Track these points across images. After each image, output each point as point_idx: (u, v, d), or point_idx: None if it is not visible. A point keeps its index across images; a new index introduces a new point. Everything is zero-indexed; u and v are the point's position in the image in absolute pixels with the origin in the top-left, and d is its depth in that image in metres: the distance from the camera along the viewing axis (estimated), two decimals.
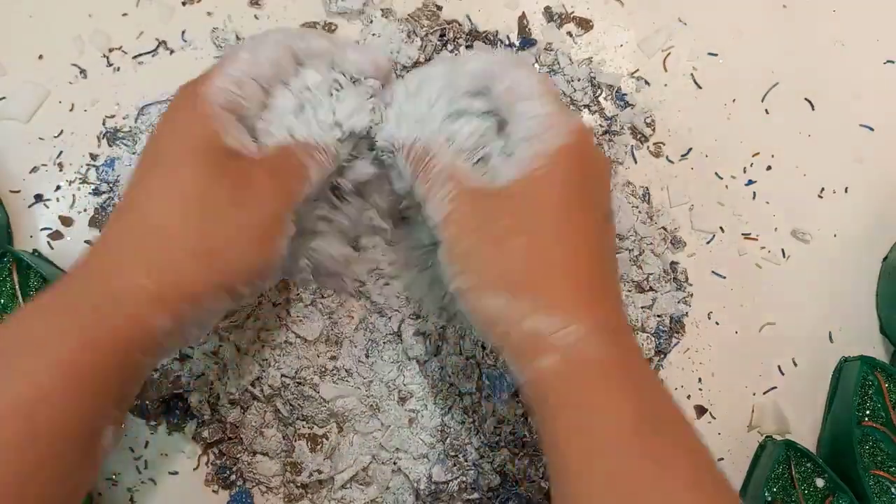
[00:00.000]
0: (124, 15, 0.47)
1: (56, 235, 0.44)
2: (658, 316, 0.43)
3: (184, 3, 0.47)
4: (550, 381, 0.28)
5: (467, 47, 0.45)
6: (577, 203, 0.31)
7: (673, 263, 0.45)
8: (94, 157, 0.45)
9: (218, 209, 0.30)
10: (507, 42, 0.46)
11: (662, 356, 0.44)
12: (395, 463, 0.41)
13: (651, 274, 0.43)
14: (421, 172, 0.33)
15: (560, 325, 0.28)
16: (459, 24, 0.46)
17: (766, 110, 0.47)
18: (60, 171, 0.45)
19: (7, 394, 0.26)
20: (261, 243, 0.31)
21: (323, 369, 0.41)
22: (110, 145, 0.45)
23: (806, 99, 0.47)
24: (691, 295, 0.45)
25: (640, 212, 0.44)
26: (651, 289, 0.43)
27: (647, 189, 0.45)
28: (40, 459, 0.26)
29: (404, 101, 0.35)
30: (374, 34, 0.45)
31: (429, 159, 0.33)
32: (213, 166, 0.31)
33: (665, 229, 0.45)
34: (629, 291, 0.43)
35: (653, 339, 0.43)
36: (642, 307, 0.43)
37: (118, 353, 0.28)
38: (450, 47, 0.45)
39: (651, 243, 0.44)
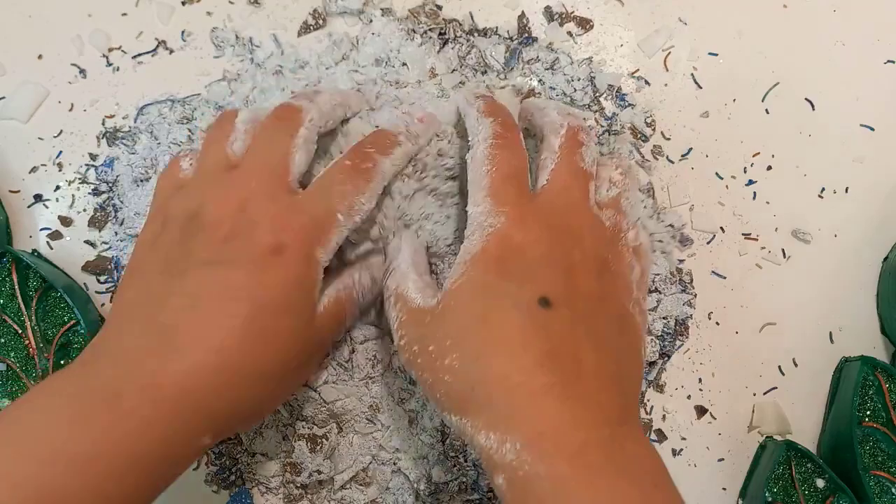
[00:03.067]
0: (124, 15, 0.47)
1: (55, 235, 0.44)
2: (664, 318, 0.43)
3: (183, 3, 0.47)
4: (506, 501, 0.27)
5: (468, 46, 0.45)
6: (486, 309, 0.29)
7: (679, 263, 0.45)
8: (93, 157, 0.45)
9: (286, 385, 0.34)
10: (506, 36, 0.46)
11: (666, 359, 0.44)
12: (395, 463, 0.41)
13: (658, 275, 0.43)
14: (384, 291, 0.35)
15: (498, 442, 0.27)
16: (460, 23, 0.46)
17: (766, 110, 0.47)
18: (60, 171, 0.45)
19: None
20: (290, 392, 0.37)
21: (323, 369, 0.41)
22: (110, 145, 0.45)
23: (806, 99, 0.47)
24: (695, 296, 0.45)
25: (645, 206, 0.44)
26: (657, 290, 0.43)
27: (651, 184, 0.45)
28: None
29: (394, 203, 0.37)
30: (373, 33, 0.45)
31: (387, 276, 0.35)
32: (301, 344, 0.32)
33: (673, 226, 0.45)
34: None
35: (657, 342, 0.43)
36: (648, 310, 0.43)
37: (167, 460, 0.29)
38: (451, 45, 0.45)
39: (661, 241, 0.44)
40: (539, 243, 0.31)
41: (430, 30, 0.45)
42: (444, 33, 0.45)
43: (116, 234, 0.44)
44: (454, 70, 0.44)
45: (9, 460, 0.26)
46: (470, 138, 0.35)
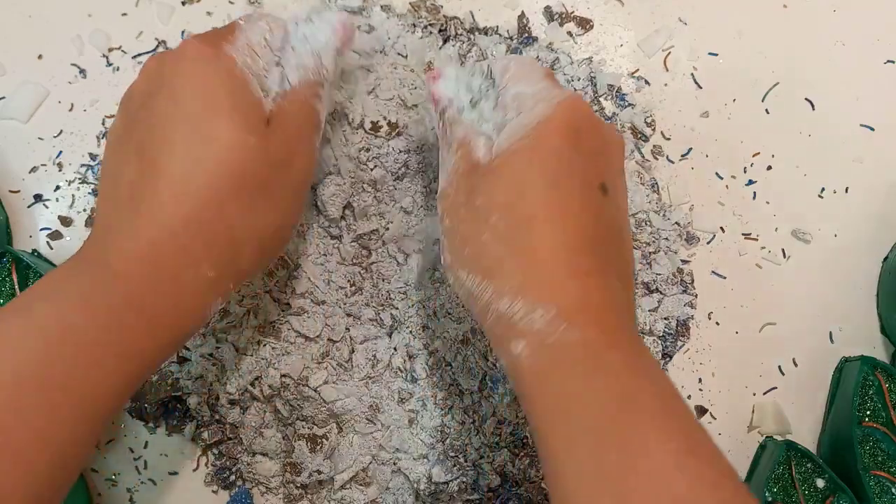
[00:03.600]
0: (124, 15, 0.47)
1: (55, 235, 0.44)
2: (665, 319, 0.43)
3: (183, 3, 0.47)
4: (524, 369, 0.27)
5: (469, 44, 0.45)
6: (557, 175, 0.28)
7: (682, 264, 0.45)
8: (93, 157, 0.45)
9: (266, 181, 0.30)
10: (507, 36, 0.46)
11: (668, 359, 0.44)
12: (395, 463, 0.41)
13: (660, 275, 0.43)
14: (444, 135, 0.33)
15: (526, 309, 0.27)
16: (461, 21, 0.46)
17: (766, 110, 0.47)
18: (60, 171, 0.45)
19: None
20: (298, 206, 0.32)
21: (323, 369, 0.41)
22: None
23: (806, 99, 0.47)
24: (696, 297, 0.45)
25: (650, 202, 0.44)
26: (658, 290, 0.43)
27: (655, 180, 0.45)
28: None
29: (461, 69, 0.35)
30: (373, 28, 0.45)
31: (453, 124, 0.33)
32: (252, 132, 0.29)
33: (679, 224, 0.45)
34: (636, 294, 0.43)
35: (659, 342, 0.43)
36: (649, 310, 0.43)
37: (173, 339, 0.28)
38: (452, 42, 0.45)
39: (667, 238, 0.44)
40: (609, 129, 0.31)
41: (430, 24, 0.45)
42: (445, 30, 0.45)
43: None
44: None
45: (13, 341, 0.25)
46: (485, 72, 0.34)
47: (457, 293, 0.31)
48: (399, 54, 0.43)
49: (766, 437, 0.43)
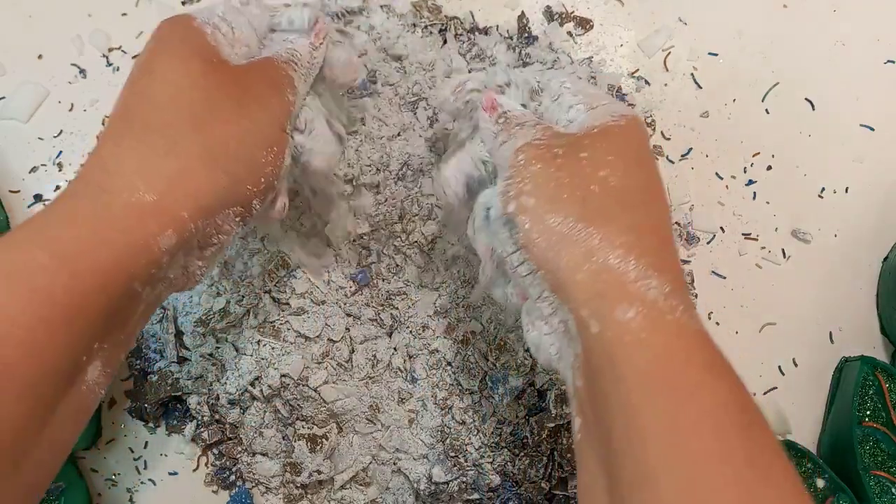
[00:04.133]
0: (124, 15, 0.47)
1: None
2: None
3: (183, 3, 0.47)
4: (629, 340, 0.24)
5: (469, 44, 0.45)
6: (653, 165, 0.29)
7: (682, 264, 0.45)
8: None
9: (224, 112, 0.29)
10: (507, 36, 0.46)
11: None
12: (395, 463, 0.41)
13: None
14: (508, 126, 0.31)
15: (640, 272, 0.25)
16: (461, 20, 0.46)
17: (766, 110, 0.47)
18: (60, 171, 0.45)
19: None
20: (268, 150, 0.30)
21: (323, 369, 0.41)
22: None
23: (806, 99, 0.47)
24: (696, 297, 0.45)
25: None
26: None
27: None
28: (10, 391, 0.23)
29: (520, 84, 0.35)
30: (373, 27, 0.45)
31: (521, 121, 0.32)
32: (215, 72, 0.30)
33: (679, 224, 0.45)
34: None
35: None
36: None
37: (106, 280, 0.25)
38: (453, 43, 0.45)
39: None
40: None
41: (430, 24, 0.45)
42: (445, 30, 0.45)
43: None
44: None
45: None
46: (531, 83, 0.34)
47: (534, 244, 0.27)
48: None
49: None
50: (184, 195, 0.27)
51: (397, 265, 0.42)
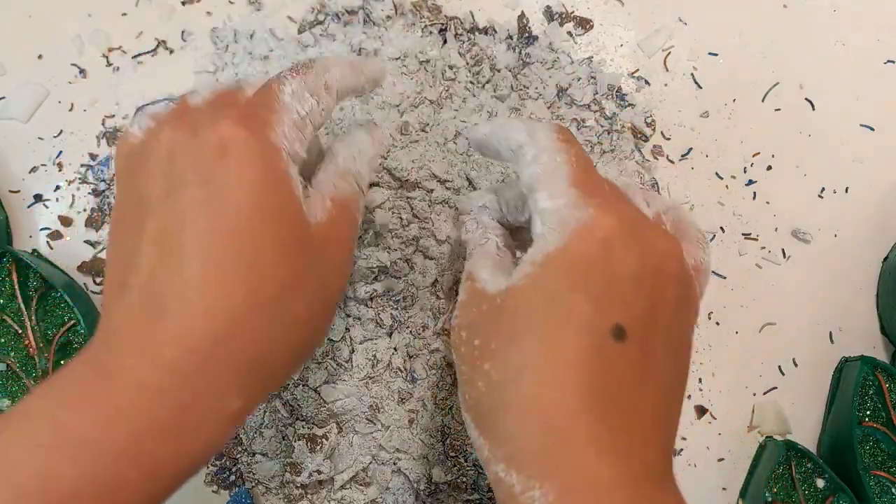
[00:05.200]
0: (124, 15, 0.47)
1: (55, 235, 0.44)
2: None
3: (183, 3, 0.47)
4: None
5: (469, 44, 0.45)
6: (552, 323, 0.25)
7: None
8: (93, 157, 0.45)
9: (305, 296, 0.26)
10: (507, 36, 0.46)
11: None
12: (395, 463, 0.41)
13: None
14: (469, 244, 0.31)
15: (520, 484, 0.23)
16: (461, 20, 0.46)
17: (767, 110, 0.47)
18: (60, 171, 0.45)
19: None
20: (332, 313, 0.29)
21: (323, 369, 0.41)
22: (110, 145, 0.45)
23: (806, 99, 0.47)
24: None
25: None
26: None
27: (655, 180, 0.45)
28: None
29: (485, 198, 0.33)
30: (372, 26, 0.45)
31: (469, 252, 0.30)
32: (301, 254, 0.26)
33: None
34: None
35: None
36: None
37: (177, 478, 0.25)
38: (453, 42, 0.45)
39: None
40: (632, 254, 0.25)
41: (430, 24, 0.45)
42: (445, 30, 0.45)
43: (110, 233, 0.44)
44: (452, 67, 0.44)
45: None
46: (518, 146, 0.29)
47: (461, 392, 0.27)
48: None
49: (766, 437, 0.43)
50: (262, 400, 0.26)
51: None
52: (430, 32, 0.45)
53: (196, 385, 0.24)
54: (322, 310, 0.28)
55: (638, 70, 0.47)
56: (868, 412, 0.41)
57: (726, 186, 0.46)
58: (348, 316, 0.41)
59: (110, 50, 0.46)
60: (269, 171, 0.26)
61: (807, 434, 0.44)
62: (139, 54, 0.46)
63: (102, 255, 0.44)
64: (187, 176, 0.25)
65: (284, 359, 0.27)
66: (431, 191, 0.42)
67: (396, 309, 0.42)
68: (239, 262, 0.25)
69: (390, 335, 0.42)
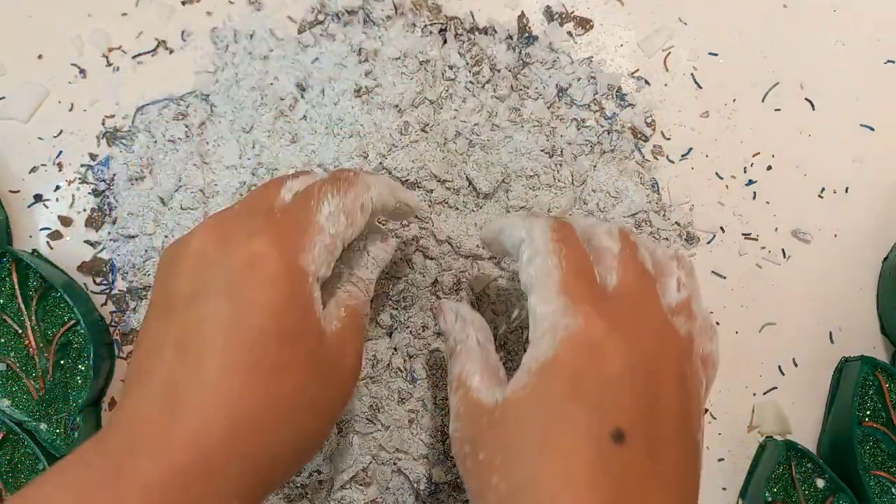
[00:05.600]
0: (124, 15, 0.47)
1: (55, 235, 0.44)
2: None
3: (183, 3, 0.47)
4: None
5: (469, 44, 0.45)
6: (550, 433, 0.25)
7: None
8: (93, 157, 0.45)
9: (314, 405, 0.27)
10: (507, 35, 0.46)
11: None
12: (395, 463, 0.41)
13: None
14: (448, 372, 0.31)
15: None
16: (461, 20, 0.46)
17: (767, 110, 0.47)
18: (60, 171, 0.45)
19: None
20: (336, 418, 0.30)
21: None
22: (110, 145, 0.45)
23: (806, 99, 0.47)
24: None
25: (650, 202, 0.44)
26: None
27: (655, 180, 0.45)
28: None
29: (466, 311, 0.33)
30: (372, 26, 0.45)
31: (452, 356, 0.31)
32: (314, 364, 0.27)
33: (679, 224, 0.45)
34: None
35: None
36: None
37: None
38: (453, 42, 0.45)
39: (667, 238, 0.44)
40: (620, 356, 0.26)
41: (430, 24, 0.45)
42: (445, 30, 0.45)
43: (109, 233, 0.44)
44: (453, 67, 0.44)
45: None
46: (518, 244, 0.30)
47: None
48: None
49: (766, 437, 0.43)
50: (263, 494, 0.27)
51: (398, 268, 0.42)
52: (430, 32, 0.45)
53: (201, 490, 0.24)
54: (328, 414, 0.29)
55: (638, 70, 0.47)
56: (868, 412, 0.41)
57: (726, 186, 0.46)
58: None
59: (110, 50, 0.46)
60: (295, 295, 0.27)
61: (807, 434, 0.44)
62: (139, 54, 0.46)
63: (102, 254, 0.44)
64: (214, 284, 0.26)
65: (287, 465, 0.28)
66: (431, 191, 0.42)
67: (396, 309, 0.42)
68: (255, 375, 0.26)
69: (390, 335, 0.42)
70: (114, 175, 0.44)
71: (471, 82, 0.44)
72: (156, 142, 0.44)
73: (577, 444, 0.25)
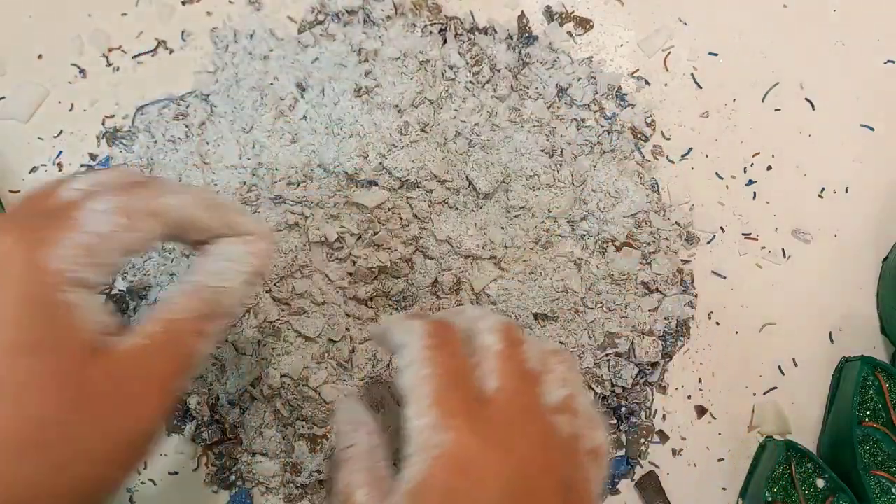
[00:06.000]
0: (124, 15, 0.47)
1: None
2: (665, 319, 0.43)
3: (183, 3, 0.47)
4: None
5: (469, 44, 0.45)
6: None
7: (682, 264, 0.45)
8: (93, 157, 0.45)
9: (87, 455, 0.23)
10: (507, 35, 0.46)
11: (668, 359, 0.44)
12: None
13: (660, 275, 0.43)
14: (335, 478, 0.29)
15: None
16: (461, 20, 0.46)
17: (767, 110, 0.47)
18: (60, 171, 0.45)
19: None
20: (127, 470, 0.25)
21: (323, 369, 0.41)
22: (110, 145, 0.45)
23: (806, 99, 0.47)
24: (696, 296, 0.45)
25: (650, 202, 0.44)
26: (658, 290, 0.43)
27: (655, 180, 0.45)
28: None
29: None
30: (372, 26, 0.45)
31: (339, 461, 0.29)
32: (78, 393, 0.23)
33: (679, 224, 0.45)
34: (636, 294, 0.43)
35: (659, 342, 0.43)
36: (649, 310, 0.43)
37: None
38: (453, 42, 0.45)
39: (667, 238, 0.44)
40: (495, 473, 0.25)
41: (430, 24, 0.45)
42: (445, 30, 0.45)
43: None
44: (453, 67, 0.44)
45: None
46: (397, 347, 0.29)
47: None
48: None
49: (766, 437, 0.43)
50: None
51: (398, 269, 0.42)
52: (430, 32, 0.45)
53: None
54: (107, 457, 0.24)
55: (638, 70, 0.47)
56: (868, 412, 0.41)
57: (726, 186, 0.46)
58: (348, 316, 0.41)
59: (110, 50, 0.46)
60: (39, 300, 0.23)
61: (807, 434, 0.44)
62: (139, 54, 0.46)
63: None
64: None
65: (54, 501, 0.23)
66: (431, 191, 0.42)
67: (396, 309, 0.42)
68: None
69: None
70: None
71: (471, 82, 0.44)
72: (156, 142, 0.44)
73: None
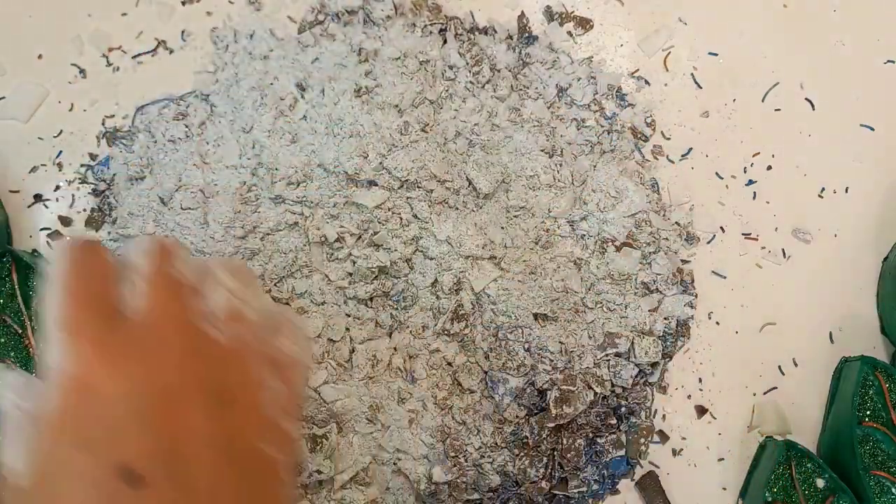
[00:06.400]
0: (124, 15, 0.47)
1: (55, 235, 0.44)
2: (665, 318, 0.43)
3: (183, 3, 0.47)
4: None
5: (469, 44, 0.45)
6: (66, 490, 0.23)
7: (682, 263, 0.45)
8: (93, 157, 0.45)
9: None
10: (507, 35, 0.46)
11: (668, 359, 0.44)
12: (395, 463, 0.41)
13: (660, 275, 0.43)
14: None
15: None
16: (461, 21, 0.46)
17: (766, 110, 0.47)
18: (60, 171, 0.45)
19: None
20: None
21: (323, 369, 0.41)
22: (110, 145, 0.45)
23: (806, 99, 0.47)
24: (696, 296, 0.45)
25: (650, 202, 0.44)
26: (658, 290, 0.43)
27: (655, 180, 0.45)
28: None
29: None
30: (372, 26, 0.45)
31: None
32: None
33: (679, 224, 0.45)
34: (636, 294, 0.43)
35: (659, 342, 0.43)
36: (649, 310, 0.43)
37: None
38: (453, 42, 0.45)
39: (667, 238, 0.44)
40: (131, 389, 0.24)
41: (430, 24, 0.45)
42: (445, 30, 0.45)
43: (109, 233, 0.44)
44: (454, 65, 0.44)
45: None
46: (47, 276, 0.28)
47: None
48: None
49: (766, 437, 0.43)
50: None
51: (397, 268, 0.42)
52: (430, 32, 0.45)
53: None
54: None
55: (638, 70, 0.47)
56: (868, 412, 0.41)
57: (726, 186, 0.46)
58: (348, 316, 0.41)
59: (110, 50, 0.46)
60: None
61: (807, 434, 0.44)
62: (139, 54, 0.46)
63: None
64: None
65: None
66: (431, 191, 0.42)
67: (396, 309, 0.42)
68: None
69: (390, 335, 0.42)
70: (114, 175, 0.44)
71: (471, 82, 0.44)
72: (156, 142, 0.44)
73: (87, 495, 0.22)
